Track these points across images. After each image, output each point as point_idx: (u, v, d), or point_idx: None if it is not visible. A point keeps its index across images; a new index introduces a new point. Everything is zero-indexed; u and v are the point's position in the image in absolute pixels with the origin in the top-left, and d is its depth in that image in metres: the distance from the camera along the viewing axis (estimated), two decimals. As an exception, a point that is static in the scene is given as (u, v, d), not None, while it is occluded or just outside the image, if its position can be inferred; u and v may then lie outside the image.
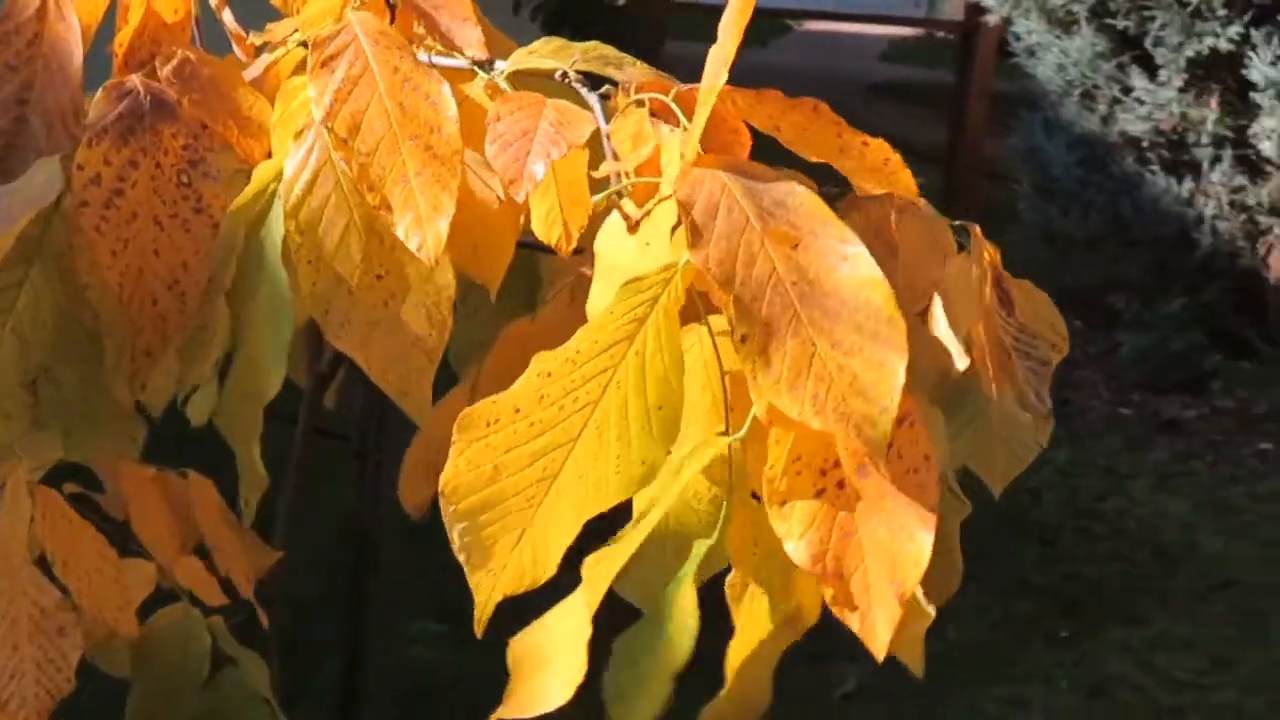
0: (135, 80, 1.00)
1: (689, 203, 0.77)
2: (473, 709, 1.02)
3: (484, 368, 1.33)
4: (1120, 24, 5.79)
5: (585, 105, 0.96)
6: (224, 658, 1.34)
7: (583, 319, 1.29)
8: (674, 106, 0.87)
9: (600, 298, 0.86)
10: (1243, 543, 4.51)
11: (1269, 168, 5.50)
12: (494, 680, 0.87)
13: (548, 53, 1.01)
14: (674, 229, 0.81)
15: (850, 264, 0.76)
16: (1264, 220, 5.54)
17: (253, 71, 1.07)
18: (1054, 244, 6.16)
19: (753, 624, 0.84)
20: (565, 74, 0.97)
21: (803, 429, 0.73)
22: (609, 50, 1.02)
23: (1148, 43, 5.73)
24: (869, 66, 12.43)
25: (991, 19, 6.34)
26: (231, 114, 1.03)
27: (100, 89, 1.02)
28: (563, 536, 0.80)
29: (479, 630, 0.81)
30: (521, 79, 1.01)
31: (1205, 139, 5.70)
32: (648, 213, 0.84)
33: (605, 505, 0.81)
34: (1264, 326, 5.59)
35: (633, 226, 0.85)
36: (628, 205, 0.86)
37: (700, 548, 0.87)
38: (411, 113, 0.97)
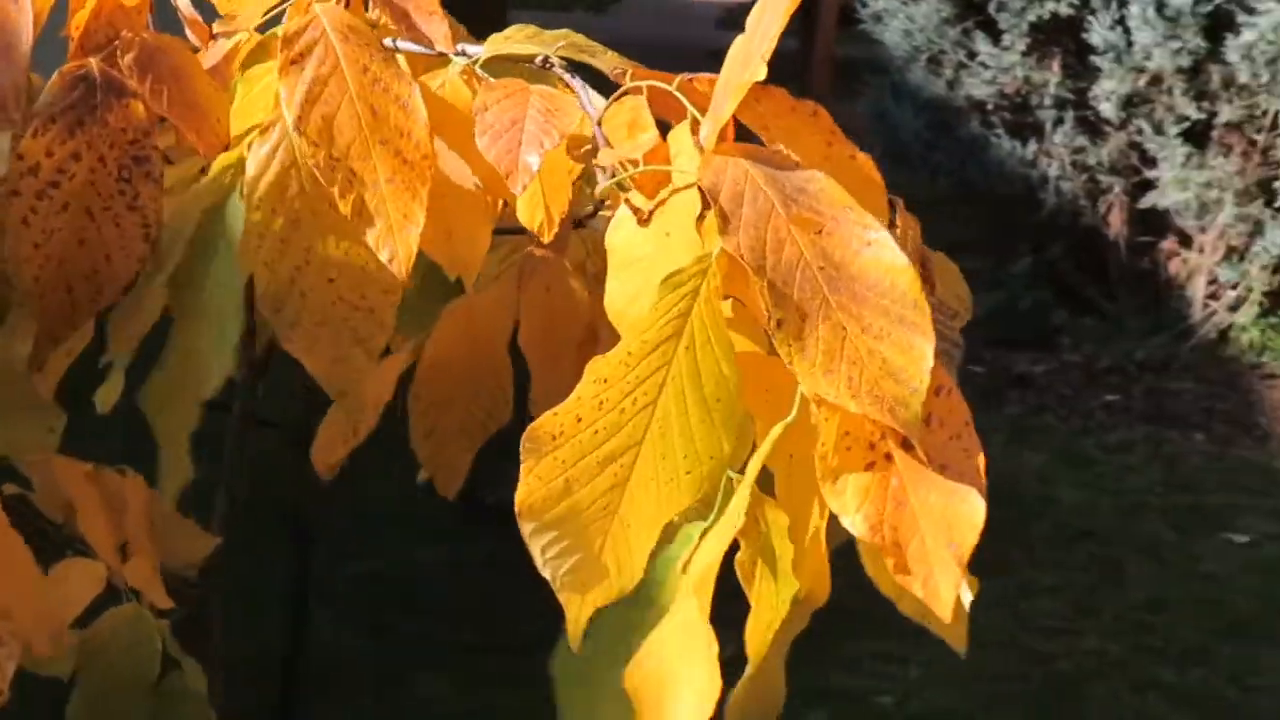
0: (93, 65, 0.97)
1: (715, 190, 0.78)
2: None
3: (428, 348, 1.32)
4: (965, -10, 5.94)
5: (568, 91, 0.96)
6: (169, 660, 1.31)
7: (535, 302, 1.29)
8: (680, 96, 0.87)
9: (619, 293, 0.86)
10: (1097, 493, 4.68)
11: (1108, 128, 5.68)
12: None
13: (522, 39, 1.00)
14: (699, 218, 0.81)
15: (874, 249, 0.77)
16: (1104, 179, 5.72)
17: (210, 59, 1.05)
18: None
19: (766, 603, 0.85)
20: (547, 60, 0.97)
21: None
22: (580, 38, 1.02)
23: (991, 8, 5.86)
24: (706, 33, 12.49)
25: (835, -14, 6.42)
26: (190, 104, 1.00)
27: (56, 72, 0.99)
28: (645, 540, 0.80)
29: (576, 645, 0.81)
30: (495, 66, 1.00)
31: (1048, 101, 5.87)
32: (661, 203, 0.84)
33: (682, 504, 0.81)
34: (1105, 284, 5.78)
35: (644, 219, 0.85)
36: (636, 197, 0.86)
37: (694, 529, 0.88)
38: (382, 116, 0.96)
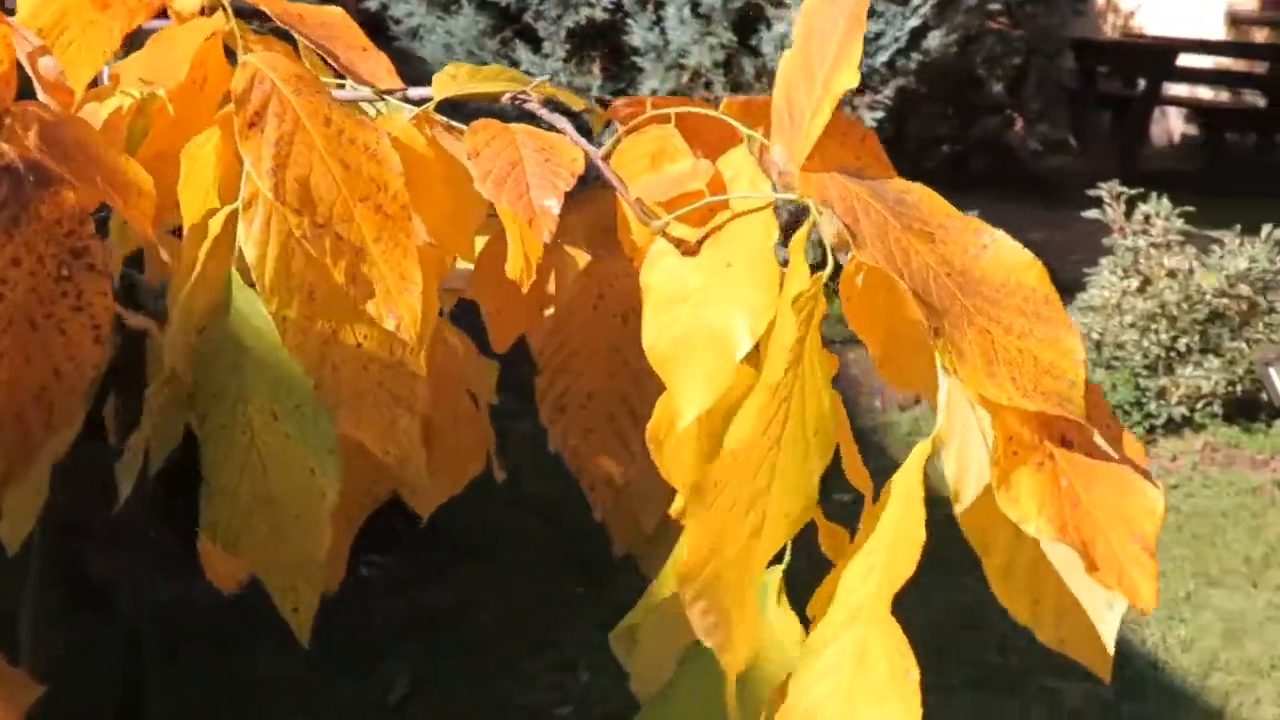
0: (9, 151, 0.82)
1: (828, 206, 0.75)
2: None
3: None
4: (501, 1, 6.00)
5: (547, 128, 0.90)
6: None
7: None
8: (729, 120, 0.83)
9: (663, 333, 0.81)
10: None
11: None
12: None
13: (467, 78, 0.93)
14: (785, 238, 0.78)
15: (992, 251, 0.76)
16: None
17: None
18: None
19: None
20: (517, 98, 0.90)
21: (1006, 411, 0.73)
22: (514, 71, 0.96)
23: (529, 16, 5.96)
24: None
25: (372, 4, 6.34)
26: (109, 180, 0.87)
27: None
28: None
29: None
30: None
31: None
32: (715, 230, 0.80)
33: (776, 549, 0.77)
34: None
35: (693, 249, 0.81)
36: (678, 228, 0.81)
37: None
38: (355, 170, 0.87)
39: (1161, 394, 5.21)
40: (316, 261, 0.87)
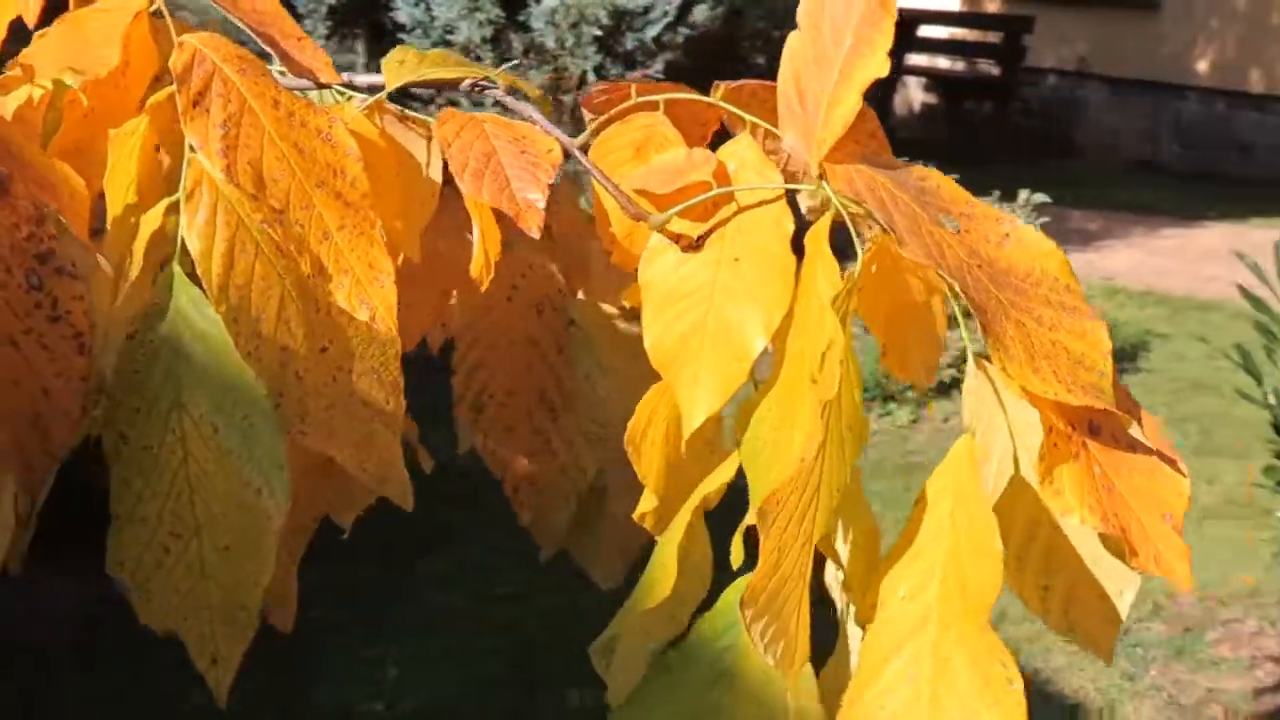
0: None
1: (859, 199, 0.72)
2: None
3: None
4: (259, -24, 5.80)
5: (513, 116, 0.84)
6: None
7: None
8: (727, 107, 0.78)
9: (667, 333, 0.77)
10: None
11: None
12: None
13: (416, 64, 0.87)
14: (805, 233, 0.74)
15: (1015, 239, 0.75)
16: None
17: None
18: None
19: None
20: (478, 85, 0.84)
21: (1045, 404, 0.72)
22: (459, 56, 0.91)
23: (288, -7, 5.78)
24: None
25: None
26: (37, 180, 0.77)
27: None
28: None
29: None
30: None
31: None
32: (720, 224, 0.76)
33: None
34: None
35: (695, 245, 0.77)
36: (679, 224, 0.77)
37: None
38: (310, 155, 0.80)
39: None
40: (270, 256, 0.79)
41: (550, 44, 5.57)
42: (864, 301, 0.78)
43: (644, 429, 0.86)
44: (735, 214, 0.77)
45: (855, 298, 0.72)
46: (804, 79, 0.76)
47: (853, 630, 0.85)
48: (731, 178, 0.77)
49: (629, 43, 5.72)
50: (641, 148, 0.81)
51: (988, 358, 0.74)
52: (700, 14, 6.21)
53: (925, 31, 11.50)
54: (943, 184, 0.76)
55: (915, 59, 11.68)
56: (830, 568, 0.87)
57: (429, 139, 0.87)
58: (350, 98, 0.90)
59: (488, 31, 5.75)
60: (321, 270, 0.79)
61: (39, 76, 0.82)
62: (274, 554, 0.78)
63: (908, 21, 11.03)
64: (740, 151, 0.78)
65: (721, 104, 0.80)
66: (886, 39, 0.72)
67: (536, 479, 1.16)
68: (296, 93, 0.82)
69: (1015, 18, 11.42)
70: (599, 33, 5.66)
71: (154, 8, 0.85)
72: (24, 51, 0.84)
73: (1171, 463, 0.74)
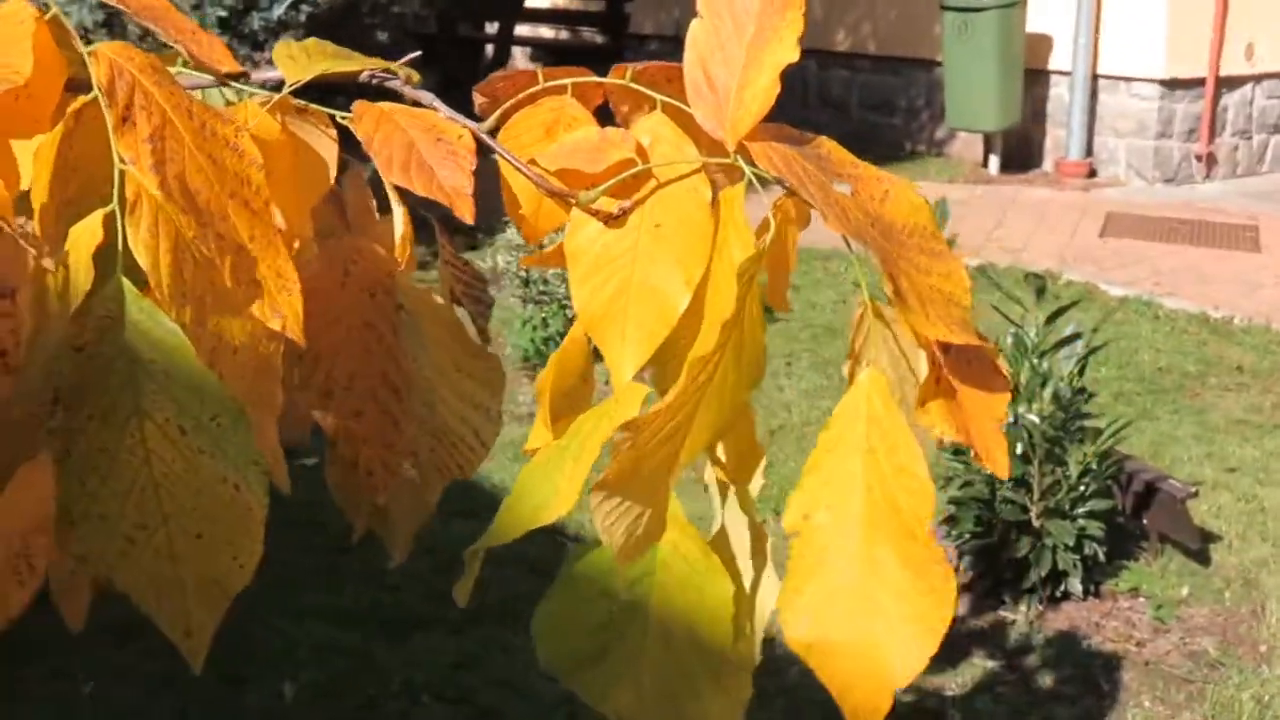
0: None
1: (780, 175, 0.80)
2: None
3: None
4: None
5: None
6: None
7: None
8: (640, 88, 0.85)
9: (594, 296, 0.84)
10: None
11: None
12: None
13: (307, 58, 0.90)
14: (721, 207, 0.82)
15: (893, 196, 0.85)
16: None
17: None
18: None
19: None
20: (376, 76, 0.88)
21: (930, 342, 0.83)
22: (341, 48, 0.94)
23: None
24: None
25: None
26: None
27: None
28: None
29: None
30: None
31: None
32: (641, 200, 0.84)
33: (698, 453, 0.84)
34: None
35: (619, 218, 0.84)
36: (605, 201, 0.84)
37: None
38: (221, 165, 0.82)
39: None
40: (203, 264, 0.81)
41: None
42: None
43: (547, 379, 0.94)
44: (658, 188, 0.84)
45: (763, 260, 0.81)
46: (710, 64, 0.84)
47: (731, 517, 0.97)
48: (648, 151, 0.85)
49: (255, 22, 5.60)
50: (551, 128, 0.87)
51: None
52: (322, -8, 6.15)
53: (531, 2, 11.68)
54: (833, 150, 0.85)
55: (522, 29, 11.86)
56: (708, 466, 0.98)
57: (326, 129, 0.90)
58: (246, 94, 0.91)
59: (99, 15, 5.51)
60: (240, 280, 0.81)
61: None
62: (260, 539, 0.81)
63: (515, -7, 11.18)
64: (655, 128, 0.85)
65: (634, 85, 0.87)
66: (793, 29, 0.81)
67: (388, 460, 1.19)
68: (196, 97, 0.84)
69: (615, -14, 11.76)
70: (224, 14, 5.52)
71: (50, 14, 0.84)
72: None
73: (997, 373, 0.86)
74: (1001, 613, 4.10)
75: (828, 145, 0.86)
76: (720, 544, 0.99)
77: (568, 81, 0.88)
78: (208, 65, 0.88)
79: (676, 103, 0.85)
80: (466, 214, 0.83)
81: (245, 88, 0.90)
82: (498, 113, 0.88)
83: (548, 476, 0.92)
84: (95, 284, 0.80)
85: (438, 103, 0.88)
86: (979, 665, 3.87)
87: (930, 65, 9.99)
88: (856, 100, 10.62)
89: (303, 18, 6.09)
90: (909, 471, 0.81)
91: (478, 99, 0.91)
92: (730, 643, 0.94)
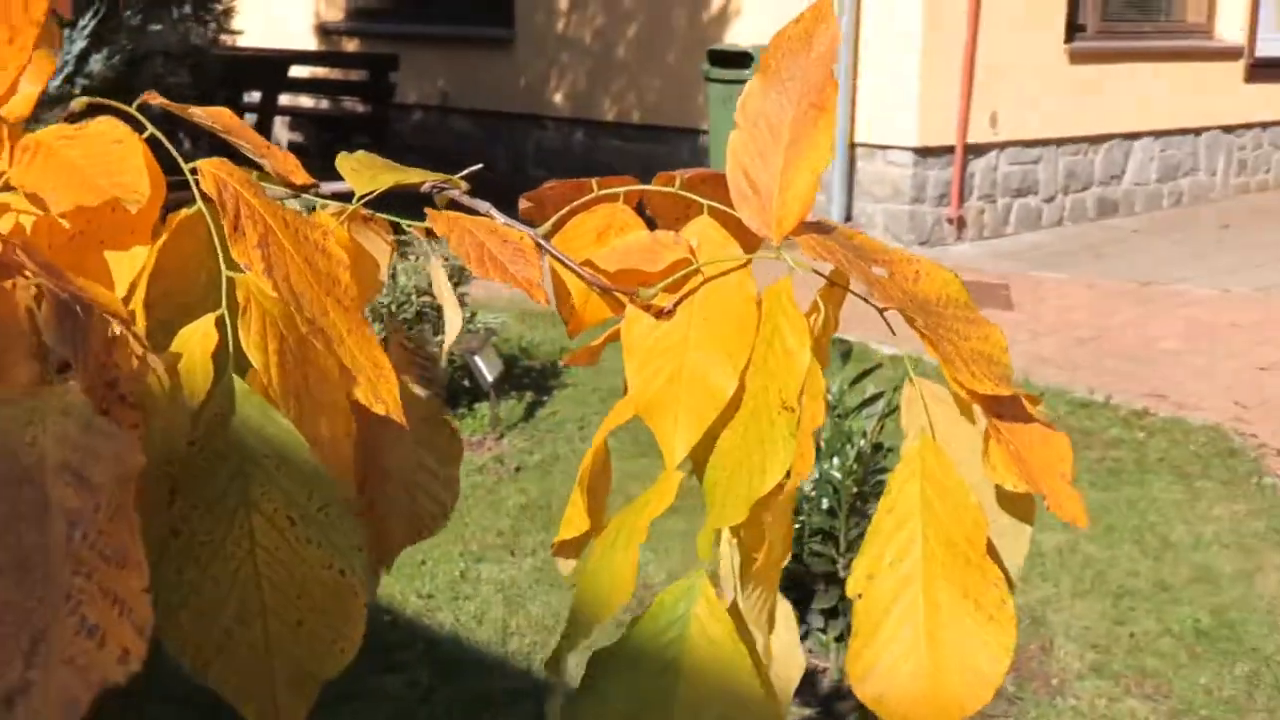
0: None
1: (827, 261, 0.89)
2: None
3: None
4: None
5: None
6: None
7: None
8: (692, 196, 0.93)
9: (649, 381, 0.91)
10: None
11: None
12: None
13: (371, 172, 0.96)
14: (769, 298, 0.91)
15: (924, 274, 0.95)
16: None
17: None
18: None
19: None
20: (436, 187, 0.95)
21: (981, 399, 0.92)
22: (391, 162, 1.01)
23: None
24: None
25: None
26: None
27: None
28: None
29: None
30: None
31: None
32: (690, 294, 0.92)
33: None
34: None
35: (670, 312, 0.92)
36: (660, 297, 0.92)
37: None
38: (316, 267, 0.88)
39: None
40: (299, 362, 0.86)
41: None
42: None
43: (585, 472, 1.01)
44: (704, 284, 0.93)
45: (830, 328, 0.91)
46: (751, 170, 0.93)
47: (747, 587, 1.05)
48: (696, 252, 0.93)
49: (31, 96, 5.45)
50: (603, 232, 0.95)
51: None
52: (96, 64, 6.03)
53: (294, 72, 11.59)
54: (864, 240, 0.95)
55: (284, 99, 11.74)
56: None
57: (385, 234, 0.96)
58: (321, 205, 0.96)
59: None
60: (344, 370, 0.86)
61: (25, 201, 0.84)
62: (363, 622, 0.85)
63: (279, 61, 11.08)
64: (702, 229, 0.94)
65: (684, 193, 0.95)
66: (827, 135, 0.91)
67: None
68: (287, 205, 0.89)
69: (379, 56, 11.77)
70: (-1, 88, 5.36)
71: (148, 134, 0.88)
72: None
73: (1049, 427, 0.96)
74: (814, 661, 4.25)
75: (860, 237, 0.95)
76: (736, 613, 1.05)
77: (619, 190, 0.96)
78: (283, 177, 0.92)
79: (721, 206, 0.94)
80: (542, 299, 0.89)
81: (318, 198, 0.94)
82: (554, 218, 0.95)
83: (602, 570, 0.98)
84: (199, 383, 0.84)
85: (494, 210, 0.95)
86: (794, 713, 4.00)
87: (696, 133, 10.31)
88: (629, 169, 10.86)
89: (77, 90, 5.96)
90: (961, 503, 0.90)
91: (523, 204, 0.98)
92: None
